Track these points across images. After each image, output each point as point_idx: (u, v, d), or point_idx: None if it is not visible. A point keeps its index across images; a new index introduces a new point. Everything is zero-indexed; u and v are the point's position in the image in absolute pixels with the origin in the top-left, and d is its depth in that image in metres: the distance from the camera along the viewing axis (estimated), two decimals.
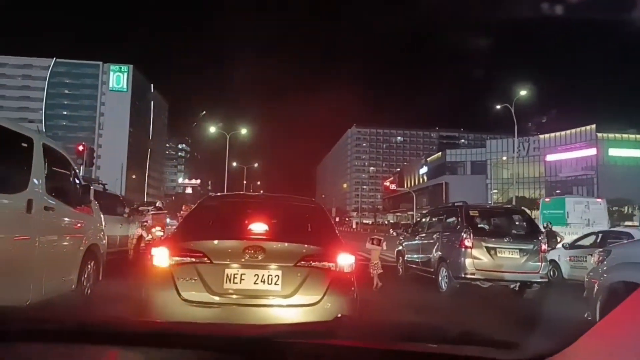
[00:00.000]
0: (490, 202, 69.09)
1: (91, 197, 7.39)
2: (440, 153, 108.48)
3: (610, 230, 16.02)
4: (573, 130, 78.47)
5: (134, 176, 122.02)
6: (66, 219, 6.50)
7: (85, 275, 6.88)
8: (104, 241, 7.97)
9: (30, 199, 5.31)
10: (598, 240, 13.95)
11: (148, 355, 1.81)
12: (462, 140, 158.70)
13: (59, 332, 1.83)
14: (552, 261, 14.18)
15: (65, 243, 6.44)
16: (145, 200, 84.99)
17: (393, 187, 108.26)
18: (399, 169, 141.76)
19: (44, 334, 1.82)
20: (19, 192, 5.24)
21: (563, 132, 79.98)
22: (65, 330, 1.86)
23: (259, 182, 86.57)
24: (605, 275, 6.00)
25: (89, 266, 7.04)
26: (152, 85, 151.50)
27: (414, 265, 13.56)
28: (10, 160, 5.39)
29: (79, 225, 6.87)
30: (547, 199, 26.84)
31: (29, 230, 5.37)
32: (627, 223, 30.65)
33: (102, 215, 8.21)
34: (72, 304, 6.33)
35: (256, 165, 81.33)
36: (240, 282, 4.29)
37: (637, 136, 75.03)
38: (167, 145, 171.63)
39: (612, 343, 1.49)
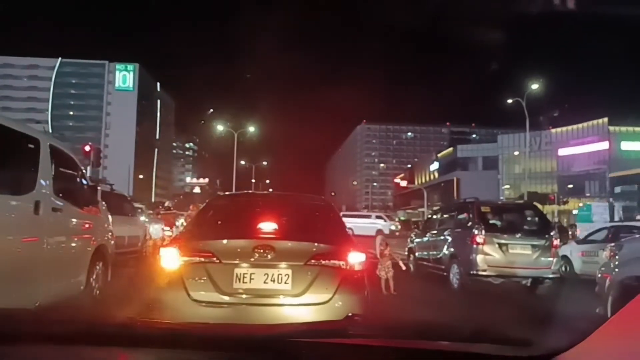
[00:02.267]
0: (502, 197, 68.75)
1: (98, 198, 7.40)
2: (451, 148, 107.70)
3: (623, 225, 15.86)
4: (585, 124, 77.58)
5: (141, 176, 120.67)
6: (74, 220, 6.48)
7: (94, 277, 6.88)
8: (112, 242, 7.97)
9: (38, 200, 5.29)
10: (610, 235, 13.80)
11: (160, 356, 1.81)
12: (474, 136, 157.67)
13: (68, 334, 1.82)
14: (564, 256, 14.07)
15: (74, 244, 6.44)
16: (153, 200, 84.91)
17: (404, 183, 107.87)
18: (409, 165, 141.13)
19: (54, 336, 1.81)
20: (26, 194, 5.22)
21: (575, 126, 79.07)
22: (75, 331, 1.85)
23: (268, 180, 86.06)
24: (617, 270, 5.97)
25: (98, 267, 7.03)
26: (158, 83, 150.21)
27: (425, 263, 13.49)
28: (17, 162, 5.38)
29: (86, 226, 6.86)
30: (581, 204, 36.02)
31: (37, 232, 5.36)
32: (639, 217, 30.65)
33: (109, 216, 8.24)
34: (81, 306, 6.32)
35: (265, 163, 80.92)
36: (250, 282, 4.27)
37: None
38: (175, 144, 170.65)
39: (624, 339, 1.49)
